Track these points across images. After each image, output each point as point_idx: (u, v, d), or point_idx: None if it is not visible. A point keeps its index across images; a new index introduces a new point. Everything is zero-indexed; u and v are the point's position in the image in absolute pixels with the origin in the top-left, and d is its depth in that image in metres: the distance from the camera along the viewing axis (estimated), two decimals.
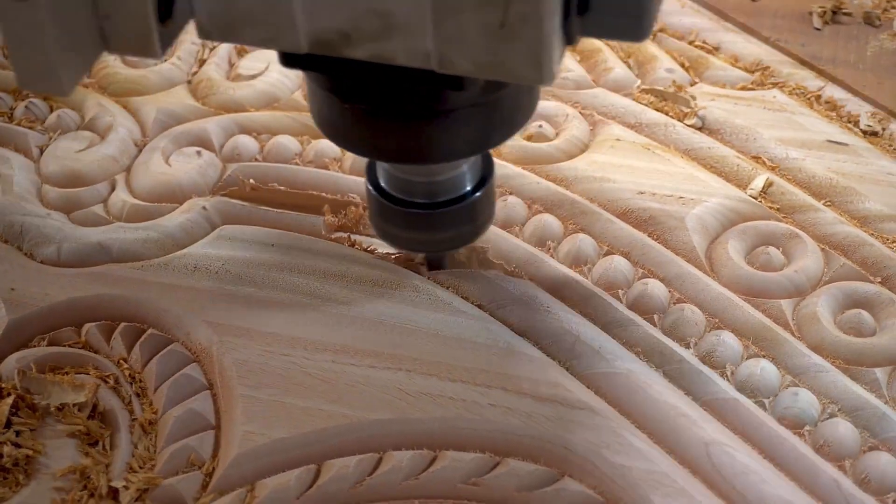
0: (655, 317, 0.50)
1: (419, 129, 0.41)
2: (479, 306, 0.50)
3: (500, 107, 0.41)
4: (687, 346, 0.49)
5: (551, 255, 0.53)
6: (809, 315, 0.50)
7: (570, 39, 0.35)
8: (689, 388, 0.48)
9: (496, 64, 0.35)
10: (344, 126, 0.42)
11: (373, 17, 0.35)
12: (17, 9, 0.34)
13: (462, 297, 0.51)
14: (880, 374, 0.48)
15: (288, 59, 0.39)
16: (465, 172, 0.47)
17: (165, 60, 0.62)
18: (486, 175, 0.48)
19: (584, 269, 0.52)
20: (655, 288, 0.51)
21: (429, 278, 0.51)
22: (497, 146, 0.43)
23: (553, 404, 0.47)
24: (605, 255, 0.53)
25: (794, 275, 0.52)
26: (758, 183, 0.55)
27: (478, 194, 0.47)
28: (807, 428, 0.46)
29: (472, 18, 0.34)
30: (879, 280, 0.51)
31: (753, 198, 0.55)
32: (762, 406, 0.47)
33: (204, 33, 0.37)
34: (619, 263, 0.52)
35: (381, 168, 0.48)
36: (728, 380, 0.48)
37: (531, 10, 0.33)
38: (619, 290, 0.51)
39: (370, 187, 0.48)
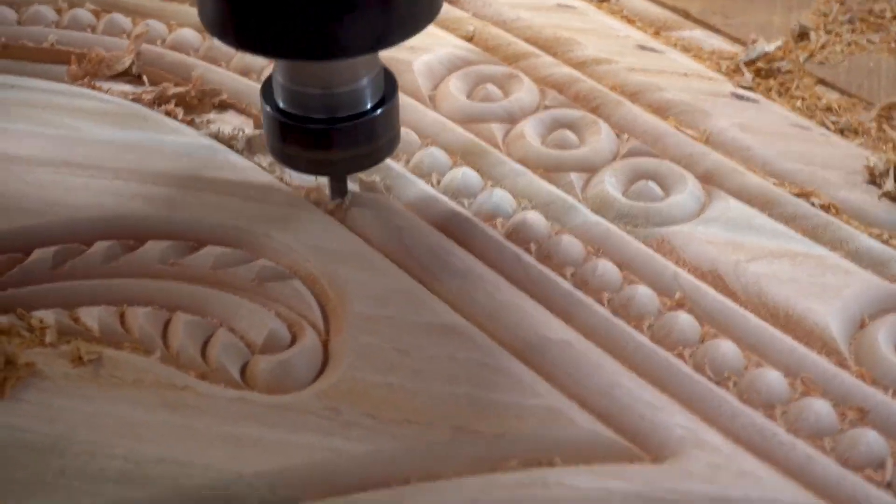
0: None
1: (320, 17, 0.40)
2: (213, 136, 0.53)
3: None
4: (398, 160, 0.52)
5: None
6: (517, 135, 0.53)
7: None
8: (398, 191, 0.50)
9: None
10: (235, 19, 0.41)
11: None
12: None
13: (186, 125, 0.53)
14: (575, 177, 0.51)
15: None
16: (364, 87, 0.46)
17: None
18: (387, 95, 0.47)
19: None
20: None
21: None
22: (397, 44, 0.43)
23: (261, 204, 0.49)
24: None
25: (508, 104, 0.55)
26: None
27: (378, 112, 0.46)
28: (499, 219, 0.49)
29: None
30: (589, 109, 0.55)
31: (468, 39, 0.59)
32: (462, 204, 0.50)
33: None
34: None
35: (278, 84, 0.46)
36: (434, 185, 0.51)
37: None
38: None
39: (266, 106, 0.47)
